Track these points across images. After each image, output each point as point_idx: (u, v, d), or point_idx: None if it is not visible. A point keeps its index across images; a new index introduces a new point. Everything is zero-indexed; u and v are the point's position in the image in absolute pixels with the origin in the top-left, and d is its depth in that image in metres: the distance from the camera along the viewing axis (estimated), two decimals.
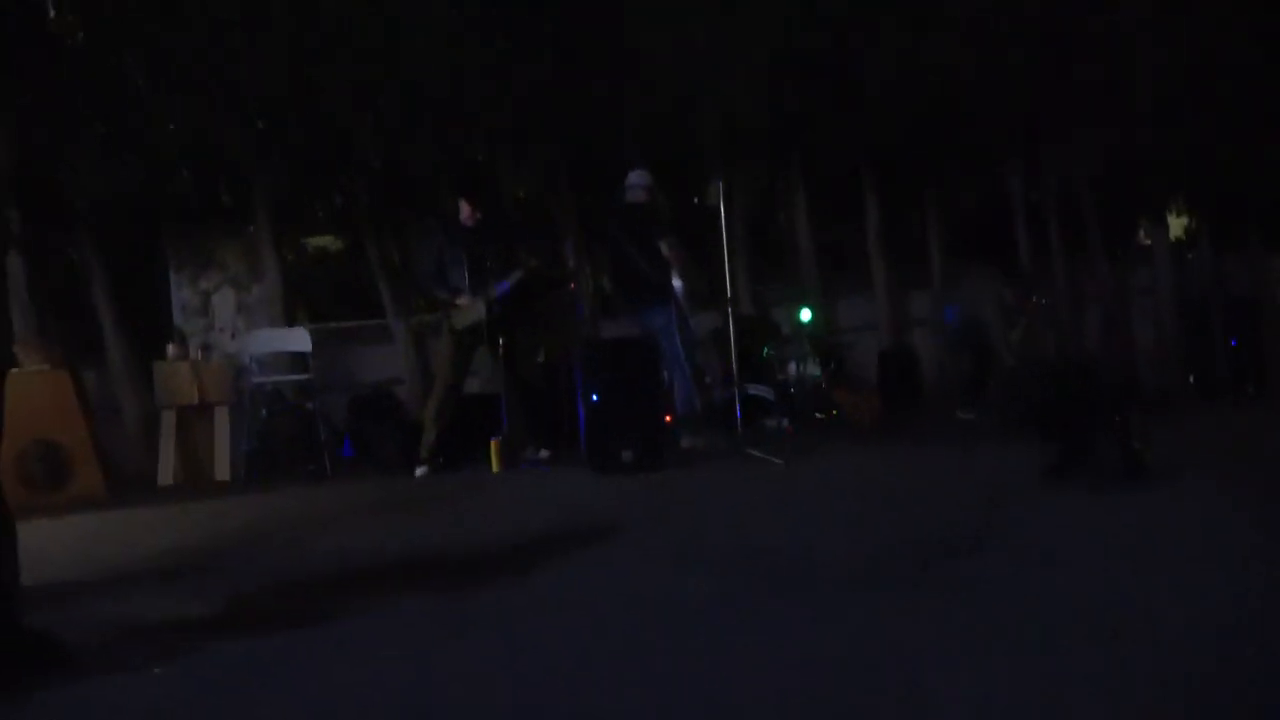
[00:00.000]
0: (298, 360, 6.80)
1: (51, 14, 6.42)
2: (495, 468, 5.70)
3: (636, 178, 6.19)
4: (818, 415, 6.95)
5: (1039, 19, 8.67)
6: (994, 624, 2.27)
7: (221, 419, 6.43)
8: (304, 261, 9.46)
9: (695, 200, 8.99)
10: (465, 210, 5.99)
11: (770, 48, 7.63)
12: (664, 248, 5.90)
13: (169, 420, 6.30)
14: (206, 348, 6.82)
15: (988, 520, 3.37)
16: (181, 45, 6.33)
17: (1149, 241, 10.41)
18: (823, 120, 8.18)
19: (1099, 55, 8.94)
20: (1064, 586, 2.58)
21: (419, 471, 5.84)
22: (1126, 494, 3.72)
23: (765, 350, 7.21)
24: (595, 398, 5.35)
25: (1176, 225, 11.23)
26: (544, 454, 6.03)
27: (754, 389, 6.70)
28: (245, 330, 7.20)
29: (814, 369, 7.17)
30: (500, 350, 5.81)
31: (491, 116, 7.08)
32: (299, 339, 6.71)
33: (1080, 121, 9.08)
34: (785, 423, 6.66)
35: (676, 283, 5.94)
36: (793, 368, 7.08)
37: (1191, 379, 6.45)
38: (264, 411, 6.71)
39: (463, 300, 5.85)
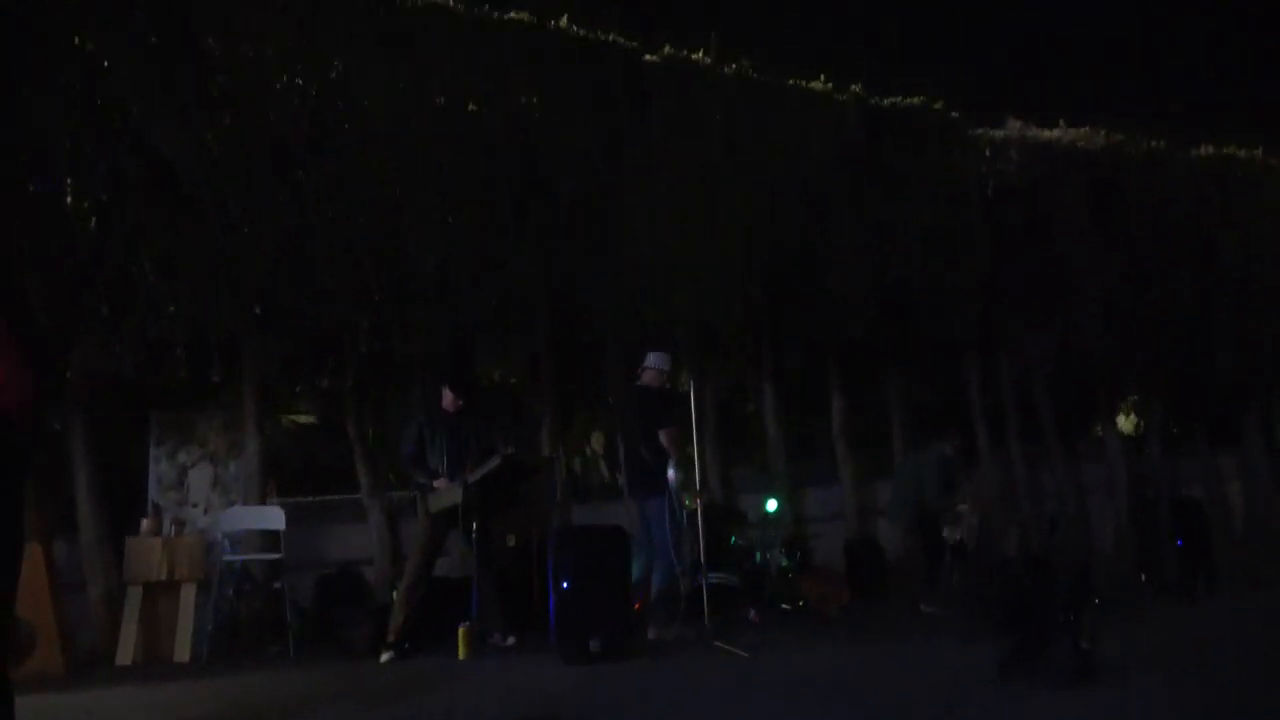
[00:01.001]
0: (270, 538, 6.84)
1: (69, 200, 6.83)
2: (462, 654, 5.68)
3: (653, 360, 6.42)
4: (784, 605, 7.02)
5: (995, 230, 9.49)
6: None
7: (188, 597, 6.38)
8: (281, 437, 9.60)
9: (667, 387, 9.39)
10: (447, 398, 6.29)
11: (742, 251, 8.23)
12: (663, 437, 6.11)
13: (135, 597, 6.26)
14: (180, 523, 6.86)
15: (943, 715, 3.48)
16: (186, 236, 6.73)
17: (1102, 435, 10.90)
18: (790, 318, 8.71)
19: (1051, 266, 9.73)
20: None
21: (384, 657, 5.81)
22: (1075, 693, 3.84)
23: (733, 539, 7.35)
24: (565, 584, 5.44)
25: (1127, 424, 11.78)
26: (511, 640, 6.04)
27: (721, 578, 6.80)
28: (219, 506, 7.25)
29: (781, 558, 7.28)
30: (474, 534, 5.93)
31: (477, 308, 7.49)
32: (273, 517, 6.78)
33: (1033, 324, 9.75)
34: (752, 612, 6.72)
35: (671, 473, 6.10)
36: (760, 556, 7.19)
37: (1143, 577, 6.63)
38: (231, 590, 6.69)
39: (440, 483, 6.04)
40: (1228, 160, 11.21)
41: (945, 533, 6.99)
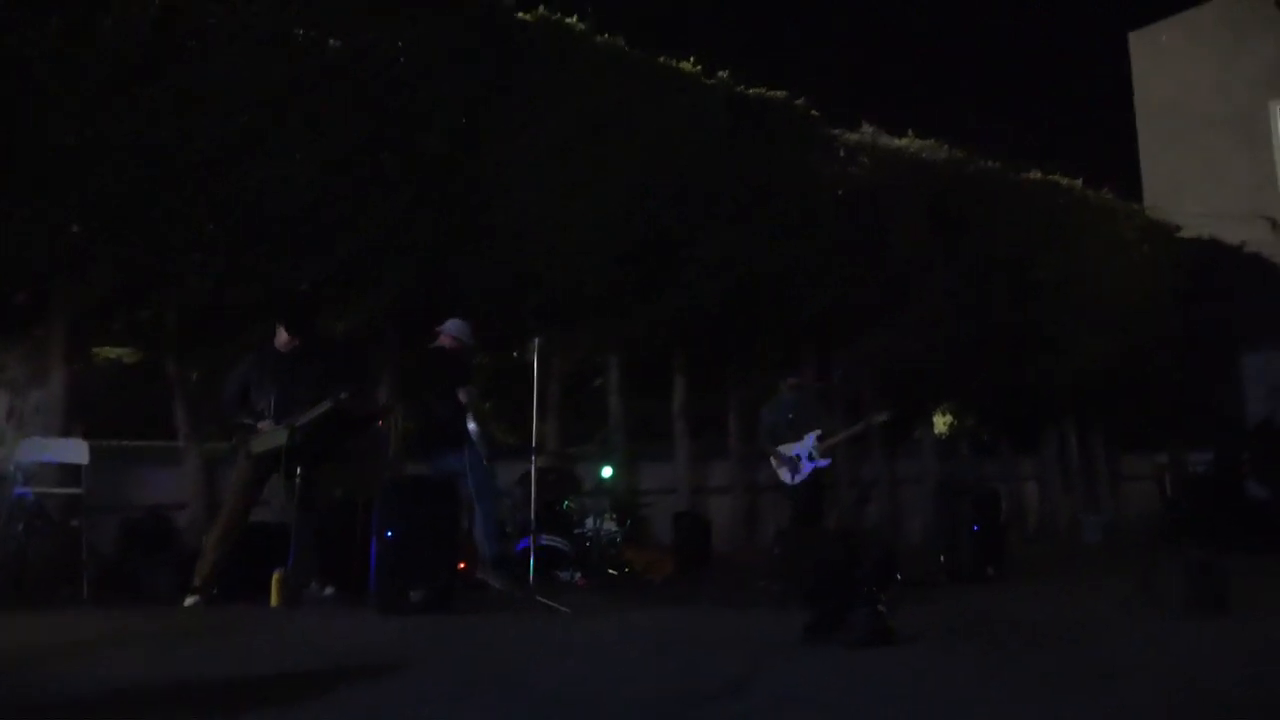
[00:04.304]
0: (70, 474, 6.37)
1: None
2: (275, 601, 5.48)
3: (451, 326, 6.49)
4: (610, 571, 7.13)
5: (841, 231, 9.88)
6: None
7: None
8: (93, 374, 8.92)
9: (515, 354, 9.32)
10: (282, 337, 6.02)
11: (601, 225, 8.23)
12: (462, 394, 6.13)
13: None
14: None
15: (746, 670, 3.67)
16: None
17: (919, 436, 11.63)
18: (641, 297, 8.79)
19: (889, 272, 10.22)
20: None
21: (189, 601, 5.54)
22: (870, 652, 4.12)
23: (565, 503, 7.40)
24: (390, 534, 5.33)
25: (942, 425, 12.61)
26: (329, 591, 5.88)
27: (550, 540, 6.85)
28: (15, 437, 6.68)
29: (611, 525, 7.39)
30: (296, 480, 5.71)
31: (324, 260, 7.17)
32: (75, 451, 6.32)
33: (868, 326, 10.26)
34: (578, 575, 6.80)
35: (472, 426, 6.11)
36: (590, 522, 7.27)
37: (941, 559, 7.13)
38: (21, 526, 6.19)
39: (264, 425, 5.78)
40: (1053, 187, 12.13)
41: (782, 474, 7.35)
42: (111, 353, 8.85)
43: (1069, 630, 5.01)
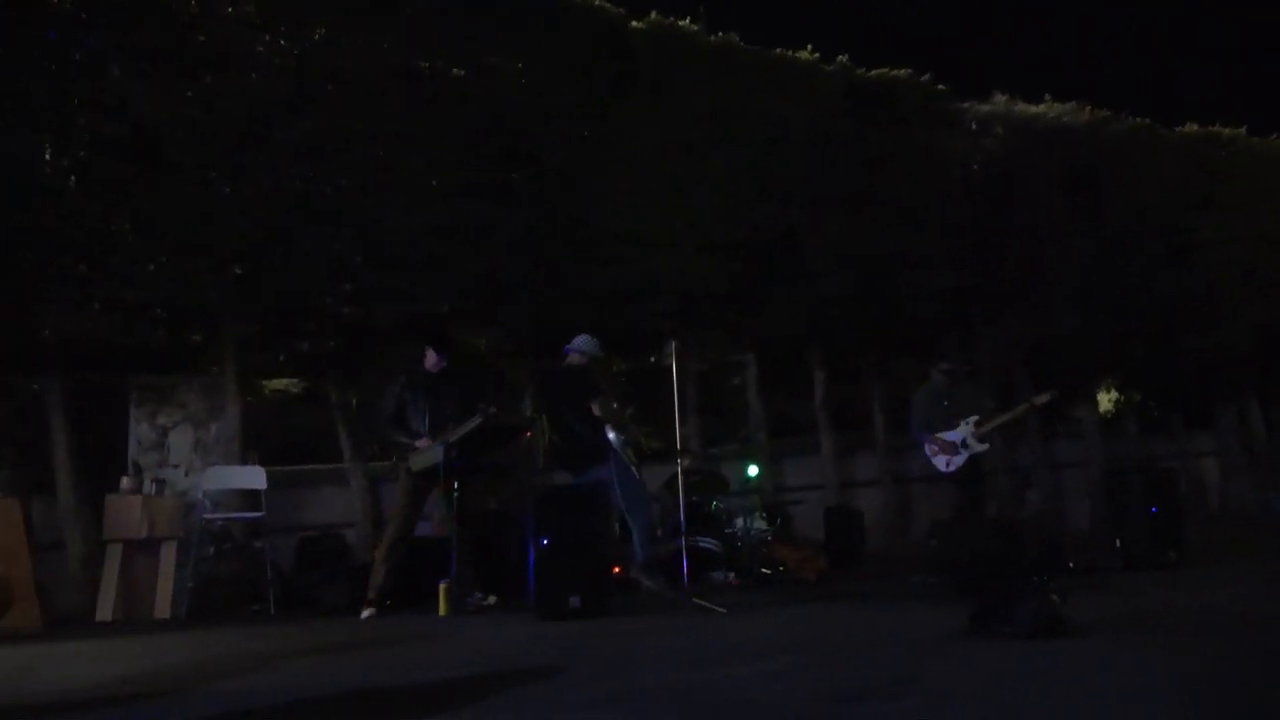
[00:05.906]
0: (251, 498, 6.86)
1: (47, 158, 6.74)
2: (443, 611, 5.72)
3: (579, 343, 6.45)
4: (763, 570, 7.08)
5: (975, 208, 9.50)
6: None
7: (168, 555, 6.40)
8: (263, 407, 9.58)
9: (652, 359, 9.41)
10: (431, 358, 6.28)
11: (723, 223, 8.22)
12: (595, 407, 6.11)
13: (114, 554, 6.26)
14: (160, 482, 6.86)
15: (907, 667, 3.56)
16: (164, 197, 6.67)
17: (1080, 415, 11.01)
18: (771, 293, 8.71)
19: (1027, 246, 9.75)
20: None
21: (365, 614, 5.85)
22: (1038, 644, 3.92)
23: (714, 503, 7.40)
24: (545, 542, 5.47)
25: (1106, 403, 11.90)
26: (491, 599, 6.08)
27: (702, 541, 6.86)
28: (200, 467, 7.26)
29: (761, 524, 7.33)
30: (454, 494, 5.95)
31: (459, 277, 7.45)
32: (254, 477, 6.80)
33: (1007, 304, 9.80)
34: (731, 576, 6.78)
35: (613, 435, 6.09)
36: (740, 522, 7.24)
37: (1118, 543, 6.71)
38: (211, 549, 6.71)
39: (421, 443, 6.05)
40: (1212, 139, 11.26)
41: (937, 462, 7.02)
42: (279, 384, 9.49)
43: (1258, 620, 4.63)
